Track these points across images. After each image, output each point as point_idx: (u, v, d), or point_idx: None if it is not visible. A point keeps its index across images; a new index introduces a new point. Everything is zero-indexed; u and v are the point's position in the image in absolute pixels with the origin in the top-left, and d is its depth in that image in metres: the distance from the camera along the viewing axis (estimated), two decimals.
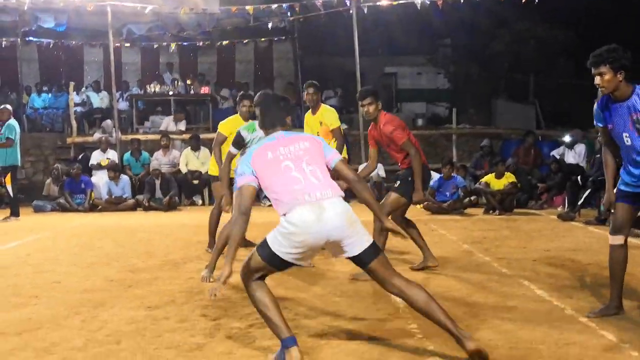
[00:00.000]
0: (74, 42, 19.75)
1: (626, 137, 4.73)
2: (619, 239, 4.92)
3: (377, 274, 4.04)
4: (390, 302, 5.48)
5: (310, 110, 8.12)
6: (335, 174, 4.23)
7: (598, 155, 11.46)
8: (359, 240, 3.99)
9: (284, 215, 3.95)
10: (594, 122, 5.03)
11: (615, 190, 4.97)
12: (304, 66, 20.15)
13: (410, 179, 6.47)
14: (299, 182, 3.99)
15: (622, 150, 4.86)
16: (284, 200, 3.96)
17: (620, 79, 4.68)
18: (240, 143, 6.69)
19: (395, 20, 18.54)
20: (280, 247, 3.94)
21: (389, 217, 6.07)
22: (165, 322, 4.99)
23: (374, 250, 4.03)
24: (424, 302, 3.97)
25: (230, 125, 7.62)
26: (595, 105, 4.98)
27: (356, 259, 4.05)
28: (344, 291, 5.91)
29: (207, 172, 9.97)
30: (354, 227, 3.97)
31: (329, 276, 6.57)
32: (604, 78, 4.70)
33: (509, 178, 12.33)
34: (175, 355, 4.23)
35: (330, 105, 8.73)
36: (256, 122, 6.57)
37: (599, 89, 4.83)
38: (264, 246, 4.00)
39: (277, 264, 4.01)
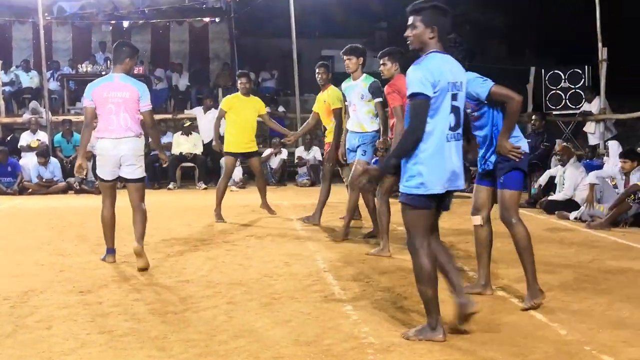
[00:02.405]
0: (1, 19, 19.04)
1: None
2: (477, 220, 5.11)
3: (130, 193, 6.15)
4: (326, 284, 5.52)
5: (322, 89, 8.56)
6: None
7: (529, 140, 11.72)
8: (136, 170, 6.10)
9: (97, 141, 6.16)
10: None
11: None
12: (241, 47, 19.92)
13: None
14: (112, 123, 6.03)
15: None
16: (101, 131, 6.10)
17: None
18: (343, 95, 7.84)
19: (333, 2, 18.48)
20: (100, 171, 6.19)
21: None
22: (97, 307, 4.92)
23: (139, 179, 6.14)
24: (137, 222, 6.04)
25: (229, 102, 9.09)
26: None
27: (126, 179, 6.11)
28: (279, 274, 5.92)
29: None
30: (137, 159, 6.09)
31: (264, 259, 6.56)
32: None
33: None
34: (108, 340, 4.17)
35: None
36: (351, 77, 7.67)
37: None
38: (96, 179, 6.16)
39: (106, 182, 6.20)
